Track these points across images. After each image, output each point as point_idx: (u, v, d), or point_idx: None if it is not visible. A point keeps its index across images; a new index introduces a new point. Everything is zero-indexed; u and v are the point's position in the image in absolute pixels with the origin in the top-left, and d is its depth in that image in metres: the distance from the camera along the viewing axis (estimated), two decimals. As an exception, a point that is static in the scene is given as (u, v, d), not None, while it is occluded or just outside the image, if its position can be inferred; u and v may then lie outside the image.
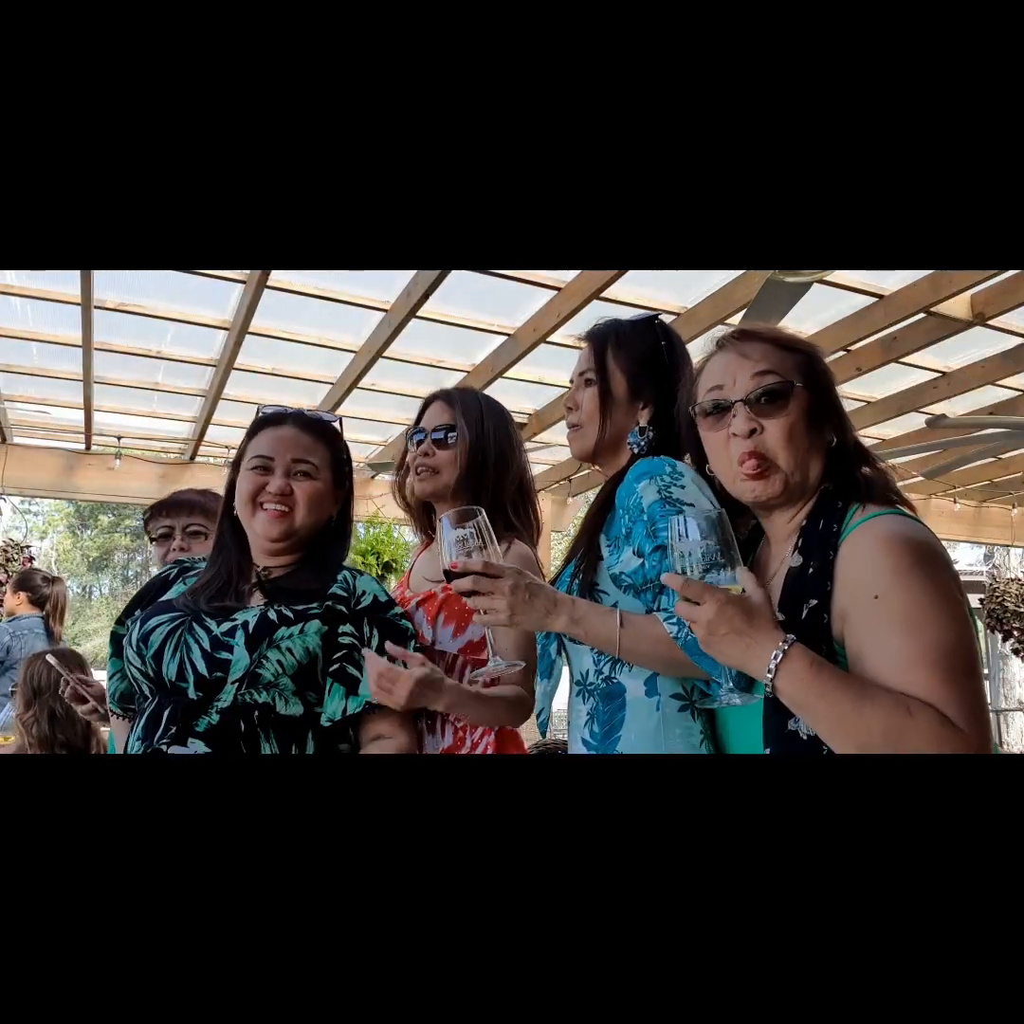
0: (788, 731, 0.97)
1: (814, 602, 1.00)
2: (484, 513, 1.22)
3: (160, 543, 2.07)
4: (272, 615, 1.32)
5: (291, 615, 1.32)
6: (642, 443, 1.34)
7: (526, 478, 1.68)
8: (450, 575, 1.20)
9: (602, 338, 1.39)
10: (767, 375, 1.09)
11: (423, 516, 1.76)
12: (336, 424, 1.53)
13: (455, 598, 1.61)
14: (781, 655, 0.93)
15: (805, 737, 0.97)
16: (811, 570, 1.03)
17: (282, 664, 1.27)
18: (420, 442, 1.62)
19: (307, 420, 1.48)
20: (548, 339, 3.87)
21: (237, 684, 1.25)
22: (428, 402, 1.69)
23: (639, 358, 1.36)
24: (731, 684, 1.04)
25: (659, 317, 1.42)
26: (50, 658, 2.17)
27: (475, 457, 1.58)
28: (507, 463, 1.63)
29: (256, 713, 1.26)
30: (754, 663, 0.95)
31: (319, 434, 1.46)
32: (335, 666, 1.33)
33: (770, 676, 0.93)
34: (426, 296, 3.36)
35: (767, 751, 1.00)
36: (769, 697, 0.97)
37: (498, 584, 1.16)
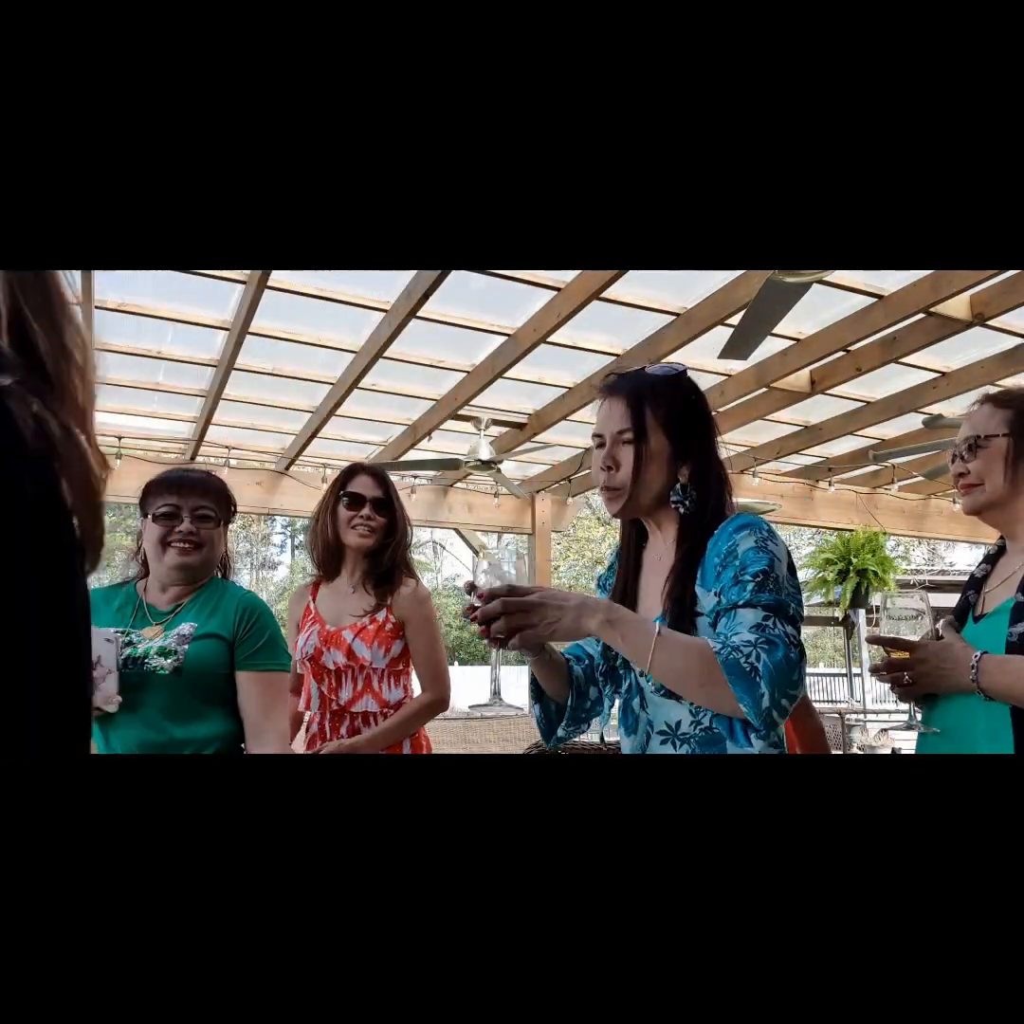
0: None
1: None
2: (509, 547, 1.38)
3: (162, 522, 1.83)
4: None
5: None
6: (686, 502, 1.33)
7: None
8: (486, 599, 1.21)
9: (637, 394, 1.34)
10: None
11: (334, 561, 2.35)
12: None
13: (380, 624, 2.28)
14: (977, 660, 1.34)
15: None
16: None
17: None
18: (358, 506, 2.28)
19: None
20: (548, 339, 3.87)
21: None
22: (356, 471, 2.34)
23: (677, 415, 1.34)
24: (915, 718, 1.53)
25: (686, 370, 1.39)
26: None
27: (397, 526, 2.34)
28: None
29: None
30: (959, 681, 1.36)
31: None
32: None
33: (973, 679, 1.34)
34: (426, 296, 3.37)
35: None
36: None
37: (526, 602, 1.19)
